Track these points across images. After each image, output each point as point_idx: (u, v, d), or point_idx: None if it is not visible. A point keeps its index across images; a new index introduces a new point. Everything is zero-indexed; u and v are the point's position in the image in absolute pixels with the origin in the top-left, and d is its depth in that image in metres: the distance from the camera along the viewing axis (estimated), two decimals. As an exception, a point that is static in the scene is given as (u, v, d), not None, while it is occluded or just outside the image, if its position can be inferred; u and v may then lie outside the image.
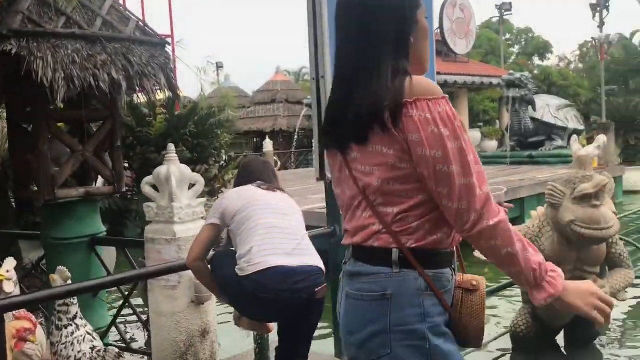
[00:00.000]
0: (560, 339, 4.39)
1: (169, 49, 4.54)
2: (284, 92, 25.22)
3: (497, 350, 4.42)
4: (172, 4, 12.07)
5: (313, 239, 2.78)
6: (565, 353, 4.32)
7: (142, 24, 4.43)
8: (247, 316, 2.72)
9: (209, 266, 2.69)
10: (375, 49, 1.47)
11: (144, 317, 4.38)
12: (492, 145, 21.92)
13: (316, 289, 2.47)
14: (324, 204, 3.71)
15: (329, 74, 3.33)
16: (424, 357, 1.42)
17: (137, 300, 5.00)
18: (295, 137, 23.28)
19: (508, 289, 5.18)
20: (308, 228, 2.85)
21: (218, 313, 3.87)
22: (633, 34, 29.35)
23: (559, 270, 1.43)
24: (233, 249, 2.65)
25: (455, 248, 1.55)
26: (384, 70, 1.44)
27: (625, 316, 5.02)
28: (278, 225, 2.58)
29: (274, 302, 2.43)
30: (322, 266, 2.57)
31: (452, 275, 1.52)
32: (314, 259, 2.56)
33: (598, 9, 16.16)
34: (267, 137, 21.54)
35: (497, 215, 1.38)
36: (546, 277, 1.40)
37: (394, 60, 1.46)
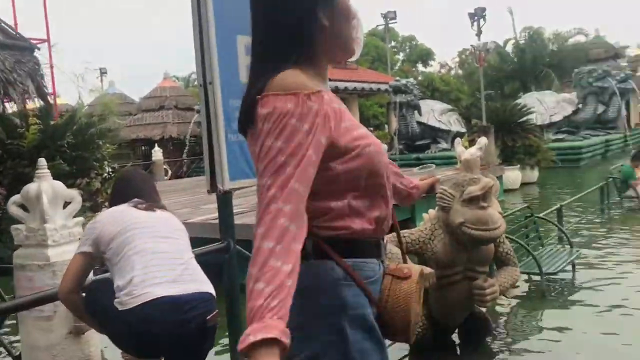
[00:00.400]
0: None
1: (39, 53, 4.15)
2: (173, 98, 24.49)
3: (393, 352, 4.44)
4: (47, 6, 11.27)
5: (205, 255, 2.59)
6: (459, 351, 4.41)
7: (6, 27, 4.01)
8: (130, 352, 2.47)
9: (84, 296, 2.41)
10: (269, 38, 1.38)
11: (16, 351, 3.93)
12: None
13: (207, 317, 2.28)
14: (218, 216, 3.51)
15: (217, 80, 3.17)
16: (341, 354, 1.31)
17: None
18: (187, 144, 22.65)
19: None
20: (202, 241, 2.66)
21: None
22: (506, 42, 31.60)
23: (268, 333, 1.09)
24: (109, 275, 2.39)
25: (385, 239, 1.48)
26: (270, 62, 1.35)
27: (514, 312, 5.24)
28: (161, 250, 2.34)
29: (161, 336, 2.21)
30: (213, 291, 2.38)
31: (379, 265, 1.44)
32: (203, 285, 2.36)
33: (476, 17, 17.10)
34: (156, 145, 20.77)
35: (264, 227, 1.19)
36: (251, 326, 1.12)
37: (284, 51, 1.36)
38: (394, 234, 4.03)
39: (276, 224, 1.19)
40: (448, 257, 4.01)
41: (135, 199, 2.50)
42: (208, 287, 2.37)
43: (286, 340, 1.09)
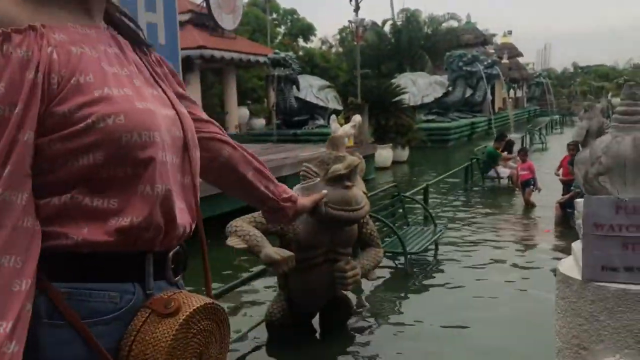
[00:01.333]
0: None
1: None
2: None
3: (253, 339, 4.18)
4: None
5: None
6: (320, 335, 4.25)
7: None
8: None
9: None
10: None
11: None
12: (260, 123, 22.32)
13: None
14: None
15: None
16: None
17: None
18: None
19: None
20: None
21: None
22: (384, 23, 32.31)
23: None
24: None
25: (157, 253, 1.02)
26: None
27: (377, 293, 5.17)
28: None
29: None
30: None
31: (135, 295, 0.99)
32: None
33: (354, -7, 17.04)
34: None
35: None
36: None
37: None
38: (253, 214, 3.76)
39: None
40: (310, 238, 3.80)
41: None
42: None
43: None
